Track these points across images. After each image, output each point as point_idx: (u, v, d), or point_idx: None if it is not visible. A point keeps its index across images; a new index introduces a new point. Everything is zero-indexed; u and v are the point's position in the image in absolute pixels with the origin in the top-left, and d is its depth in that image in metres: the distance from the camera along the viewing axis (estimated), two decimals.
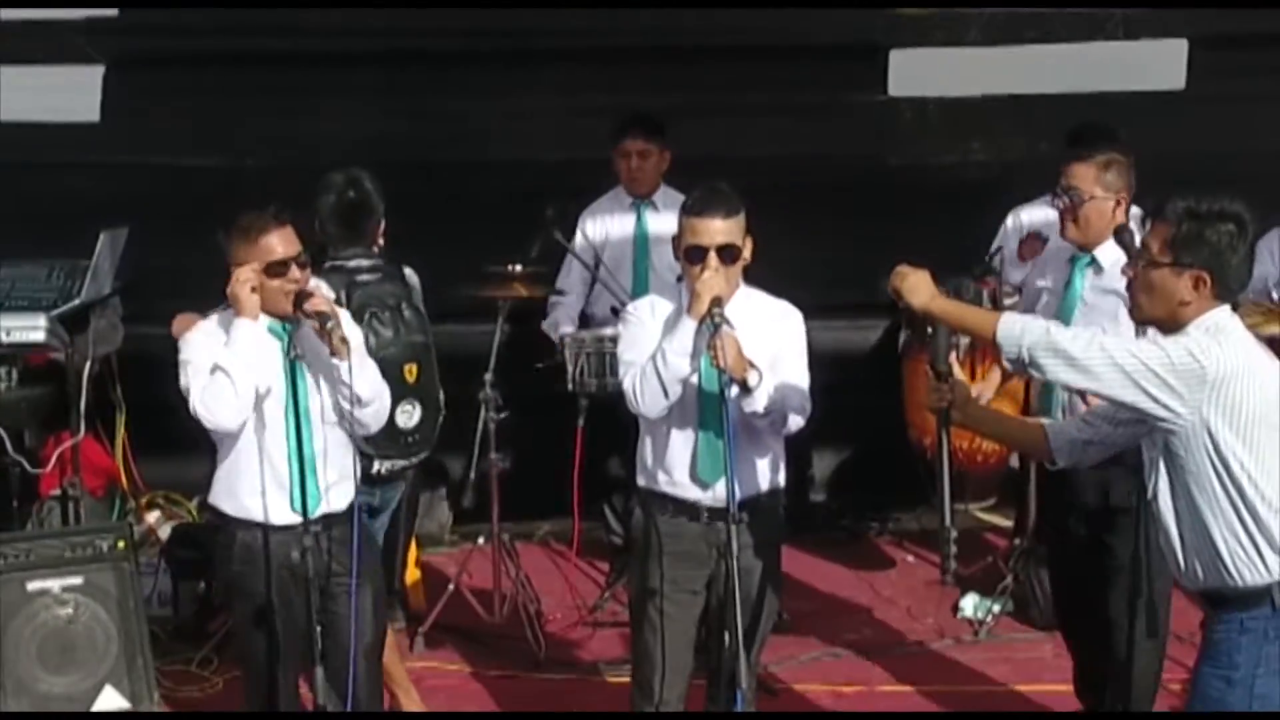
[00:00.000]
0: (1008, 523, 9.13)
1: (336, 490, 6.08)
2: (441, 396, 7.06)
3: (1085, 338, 4.93)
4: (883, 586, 8.90)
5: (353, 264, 6.95)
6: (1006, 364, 5.15)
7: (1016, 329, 5.00)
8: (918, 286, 5.32)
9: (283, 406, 6.02)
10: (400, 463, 6.98)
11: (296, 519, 5.92)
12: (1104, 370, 4.84)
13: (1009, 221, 8.51)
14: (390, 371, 6.50)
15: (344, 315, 6.13)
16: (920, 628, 8.31)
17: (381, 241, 7.11)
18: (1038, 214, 8.46)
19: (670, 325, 5.92)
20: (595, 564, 9.01)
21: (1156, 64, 9.28)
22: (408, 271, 7.17)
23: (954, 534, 5.58)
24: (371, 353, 6.36)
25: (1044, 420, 5.63)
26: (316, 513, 5.99)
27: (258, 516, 6.02)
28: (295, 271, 6.00)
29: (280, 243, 6.00)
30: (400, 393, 6.68)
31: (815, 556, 8.98)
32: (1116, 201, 6.45)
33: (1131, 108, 9.15)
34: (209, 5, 9.05)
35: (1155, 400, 4.81)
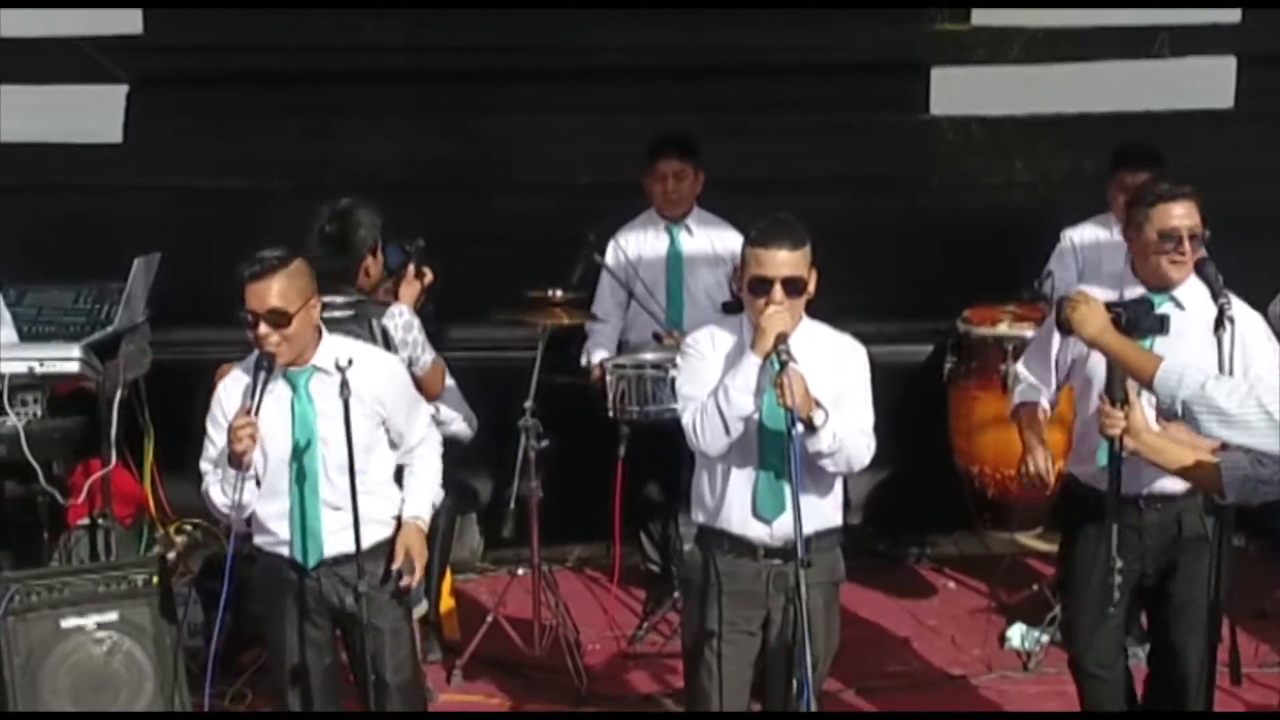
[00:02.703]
0: (1054, 548, 8.98)
1: (347, 534, 6.00)
2: None
3: (1242, 391, 4.90)
4: (926, 615, 8.75)
5: (326, 299, 6.65)
6: (1160, 408, 5.15)
7: (1173, 380, 5.03)
8: (1089, 318, 5.44)
9: (290, 450, 6.05)
10: None
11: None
12: (1260, 425, 4.85)
13: (1063, 243, 8.38)
14: None
15: None
16: (967, 659, 8.16)
17: (370, 273, 6.99)
18: (1088, 234, 8.36)
19: (732, 360, 5.82)
20: (632, 591, 8.86)
21: (1204, 82, 9.11)
22: (394, 310, 6.94)
23: (1118, 576, 5.52)
24: None
25: (1224, 458, 5.50)
26: (315, 558, 6.10)
27: (274, 549, 6.17)
28: (263, 328, 5.91)
29: (253, 295, 5.91)
30: None
31: (854, 584, 8.66)
32: None
33: (1179, 127, 9.00)
34: (234, 10, 8.86)
35: None
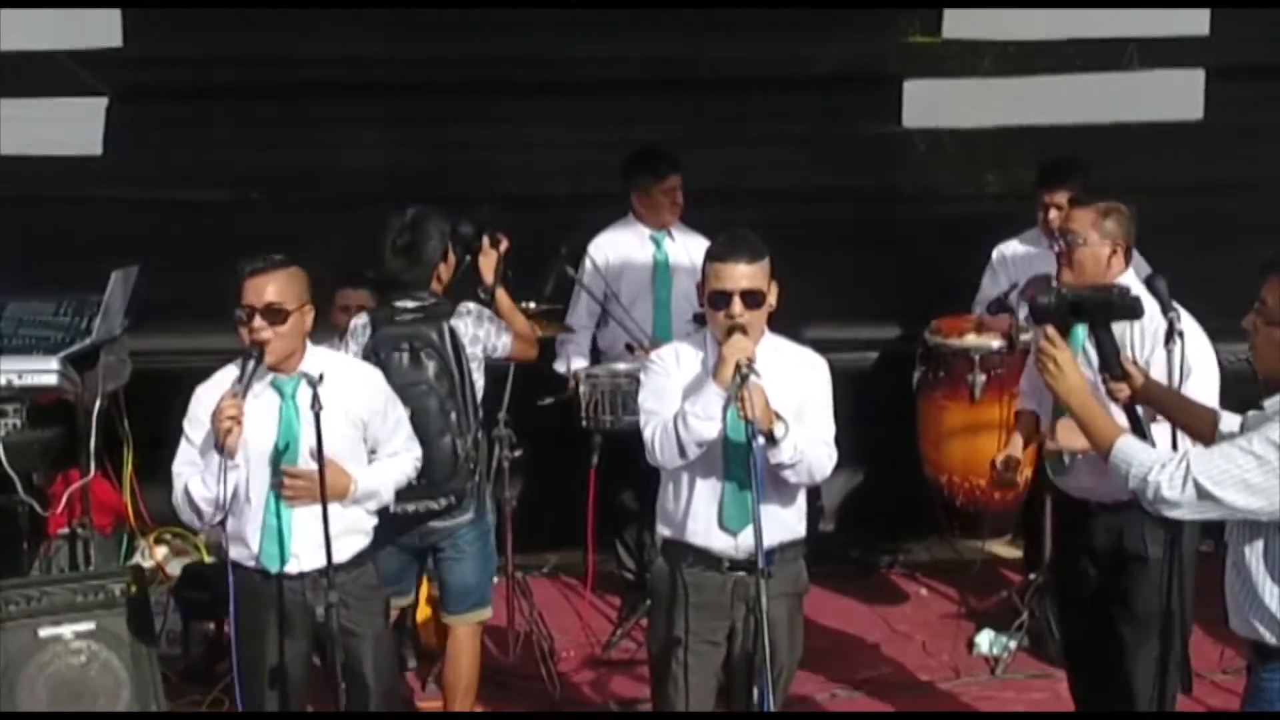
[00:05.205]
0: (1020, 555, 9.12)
1: (336, 543, 6.05)
2: (460, 442, 7.01)
3: (1180, 476, 4.94)
4: (897, 621, 8.84)
5: (398, 304, 7.04)
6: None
7: (1124, 467, 5.08)
8: (1059, 376, 5.35)
9: (271, 455, 6.09)
10: (411, 506, 6.90)
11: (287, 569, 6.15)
12: (1200, 503, 4.93)
13: (994, 258, 8.60)
14: None
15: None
16: (936, 664, 8.25)
17: (442, 278, 7.20)
18: (1019, 249, 8.58)
19: (696, 384, 5.88)
20: (606, 598, 8.95)
21: (1173, 94, 9.19)
22: (462, 309, 7.19)
23: None
24: None
25: (1222, 414, 5.63)
26: (290, 568, 6.12)
27: (246, 562, 6.18)
28: (257, 321, 6.00)
29: (252, 290, 6.02)
30: None
31: (827, 590, 8.85)
32: (1113, 249, 6.34)
33: (1148, 138, 9.12)
34: (214, 23, 8.90)
35: (1237, 509, 4.92)
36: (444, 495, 7.00)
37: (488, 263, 7.52)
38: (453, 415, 6.98)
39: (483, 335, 7.17)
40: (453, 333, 7.03)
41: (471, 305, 7.24)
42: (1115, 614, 6.44)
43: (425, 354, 6.95)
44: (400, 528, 7.03)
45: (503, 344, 7.28)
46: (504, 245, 7.57)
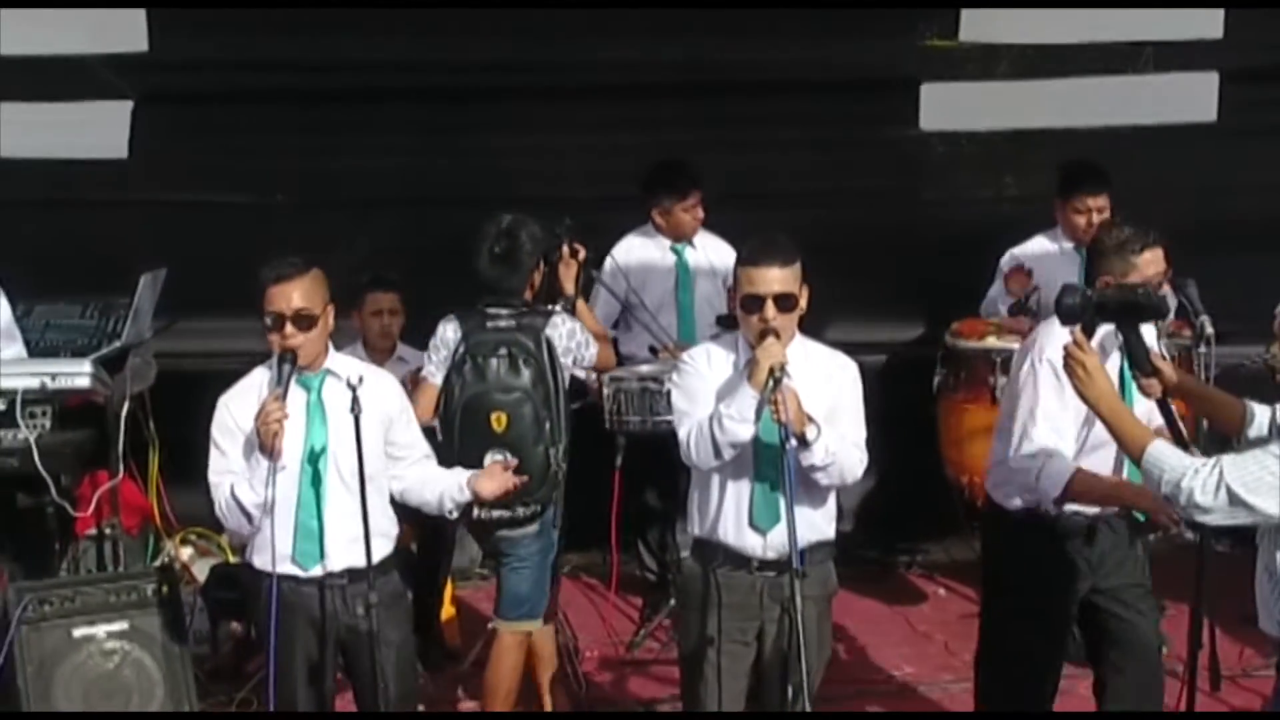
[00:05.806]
0: None
1: (358, 547, 6.11)
2: (553, 451, 7.11)
3: (1213, 482, 4.98)
4: (917, 621, 8.91)
5: (491, 310, 7.10)
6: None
7: (1155, 471, 5.11)
8: (1088, 383, 5.40)
9: (300, 459, 6.15)
10: (499, 513, 7.01)
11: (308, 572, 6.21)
12: (1232, 509, 4.98)
13: (1005, 261, 8.68)
14: (473, 418, 6.90)
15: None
16: (958, 664, 8.26)
17: (534, 285, 7.27)
18: (1036, 247, 8.68)
19: (729, 383, 5.95)
20: (628, 598, 8.99)
21: (1188, 97, 9.27)
22: (557, 320, 7.22)
23: None
24: (453, 399, 6.84)
25: (1250, 403, 5.73)
26: (319, 568, 6.18)
27: (273, 567, 6.17)
28: (288, 328, 6.06)
29: (279, 297, 6.07)
30: (487, 442, 6.91)
31: (847, 590, 8.83)
32: None
33: (1162, 141, 9.21)
34: (238, 28, 8.97)
35: (1270, 515, 4.98)
36: (532, 503, 7.08)
37: (568, 273, 7.59)
38: (546, 425, 7.05)
39: (574, 347, 7.22)
40: (549, 342, 7.09)
41: (565, 316, 7.29)
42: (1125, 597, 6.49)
43: (524, 361, 7.03)
44: (477, 533, 7.18)
45: (590, 355, 7.35)
46: (582, 255, 7.64)
